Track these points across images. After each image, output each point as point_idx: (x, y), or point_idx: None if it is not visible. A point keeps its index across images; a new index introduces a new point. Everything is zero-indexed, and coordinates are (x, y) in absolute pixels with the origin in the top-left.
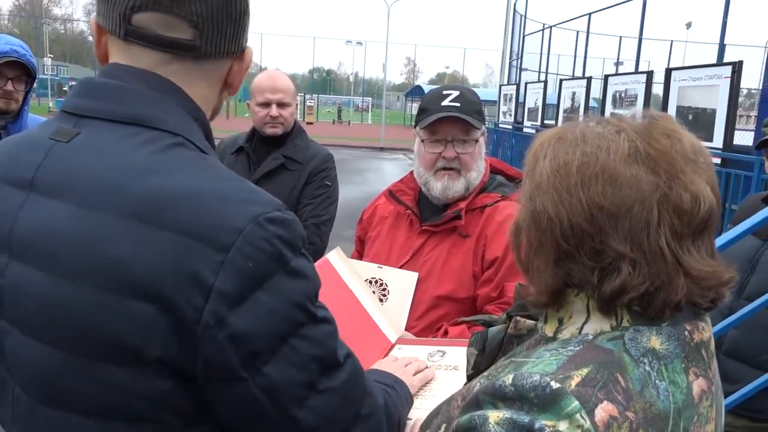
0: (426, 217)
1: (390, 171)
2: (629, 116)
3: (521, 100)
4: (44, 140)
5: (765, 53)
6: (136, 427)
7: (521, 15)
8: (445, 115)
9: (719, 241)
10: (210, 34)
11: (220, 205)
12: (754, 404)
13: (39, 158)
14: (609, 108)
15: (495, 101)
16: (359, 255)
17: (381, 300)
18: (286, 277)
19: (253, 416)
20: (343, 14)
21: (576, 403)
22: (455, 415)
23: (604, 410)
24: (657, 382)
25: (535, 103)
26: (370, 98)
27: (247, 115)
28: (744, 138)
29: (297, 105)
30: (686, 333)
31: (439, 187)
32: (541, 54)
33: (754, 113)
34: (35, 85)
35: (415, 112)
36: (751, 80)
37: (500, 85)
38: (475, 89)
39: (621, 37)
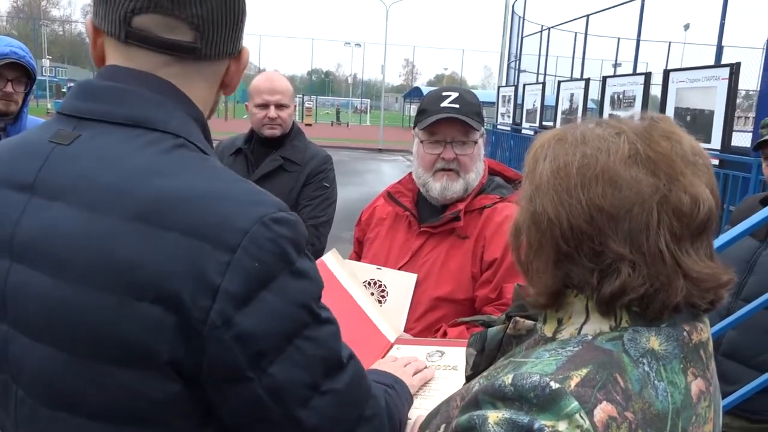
0: (424, 218)
1: (388, 172)
2: (629, 118)
3: (519, 101)
4: (44, 143)
5: (763, 55)
6: (141, 429)
7: (519, 16)
8: (445, 116)
9: (717, 242)
10: (210, 36)
11: (225, 206)
12: (752, 405)
13: (39, 161)
14: (607, 109)
15: (493, 103)
16: (357, 256)
17: (380, 301)
18: (291, 278)
19: (256, 417)
20: (342, 16)
21: (575, 404)
22: (454, 415)
23: (603, 410)
24: (656, 382)
25: (534, 105)
26: (369, 100)
27: (245, 116)
28: (742, 139)
29: (295, 106)
30: (685, 334)
31: (437, 187)
32: (539, 55)
33: (752, 114)
34: (34, 86)
35: (413, 113)
36: (749, 82)
37: (498, 87)
38: (474, 91)
39: (619, 39)
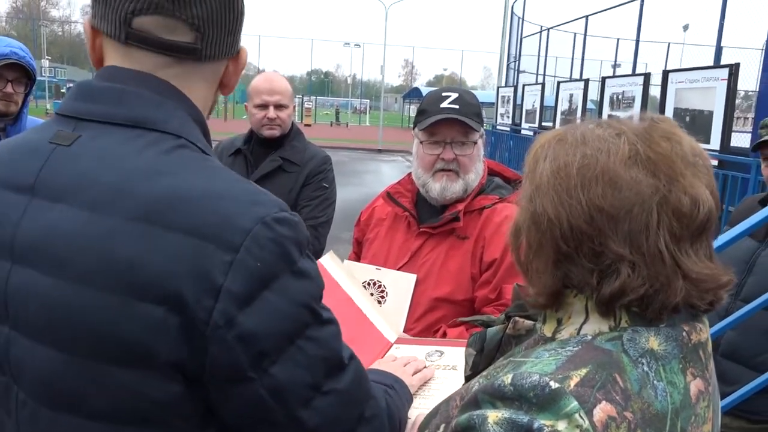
0: (424, 219)
1: (388, 173)
2: (629, 119)
3: (519, 102)
4: (44, 144)
5: (762, 55)
6: (142, 430)
7: (519, 17)
8: (444, 117)
9: (716, 242)
10: (210, 37)
11: (226, 206)
12: (751, 405)
13: (39, 163)
14: (606, 110)
15: (493, 103)
16: (357, 257)
17: (379, 302)
18: (292, 278)
19: (258, 417)
20: (341, 16)
21: (575, 403)
22: (454, 415)
23: (602, 410)
24: (655, 382)
25: (533, 105)
26: (368, 100)
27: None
28: (741, 140)
29: (294, 107)
30: (684, 334)
31: (437, 188)
32: (538, 56)
33: (751, 115)
34: (34, 87)
35: (413, 114)
36: (747, 82)
37: (498, 87)
38: (473, 91)
39: (618, 40)
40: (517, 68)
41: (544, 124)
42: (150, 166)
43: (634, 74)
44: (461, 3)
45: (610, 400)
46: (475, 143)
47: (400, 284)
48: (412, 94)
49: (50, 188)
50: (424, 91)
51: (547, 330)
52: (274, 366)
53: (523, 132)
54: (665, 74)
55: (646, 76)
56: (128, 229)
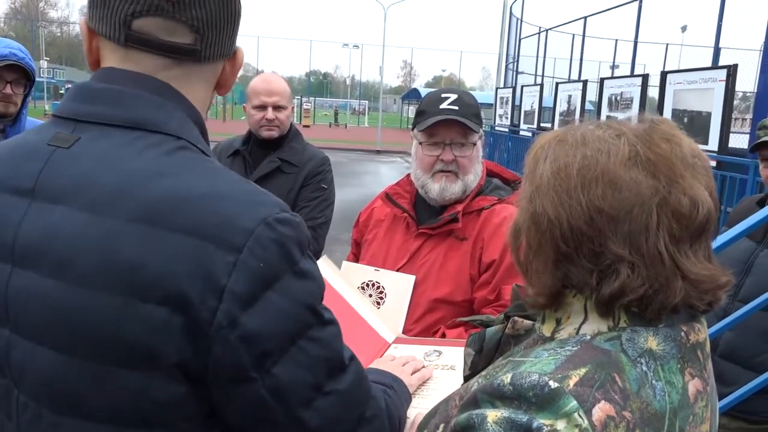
0: (422, 220)
1: (386, 174)
2: (628, 120)
3: (517, 103)
4: (42, 146)
5: (760, 56)
6: (145, 431)
7: (517, 18)
8: (444, 118)
9: (714, 243)
10: (209, 38)
11: (227, 206)
12: (750, 406)
13: (39, 165)
14: (605, 111)
15: (491, 104)
16: (355, 258)
17: (378, 303)
18: (294, 278)
19: (260, 417)
20: (340, 17)
21: (574, 403)
22: (453, 414)
23: (601, 410)
24: (653, 382)
25: (532, 106)
26: (367, 101)
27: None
28: (739, 141)
29: (293, 108)
30: (682, 334)
31: (436, 188)
32: (537, 57)
33: (749, 116)
34: (33, 88)
35: (411, 115)
36: (746, 83)
37: (496, 88)
38: (472, 92)
39: (617, 41)
40: (515, 69)
41: (542, 125)
42: (151, 168)
43: (632, 75)
44: (460, 4)
45: (609, 399)
46: (475, 144)
47: (399, 285)
48: (411, 95)
49: (50, 190)
50: (423, 92)
51: (546, 330)
52: (276, 366)
53: (521, 133)
54: (663, 75)
55: (645, 77)
56: (129, 230)
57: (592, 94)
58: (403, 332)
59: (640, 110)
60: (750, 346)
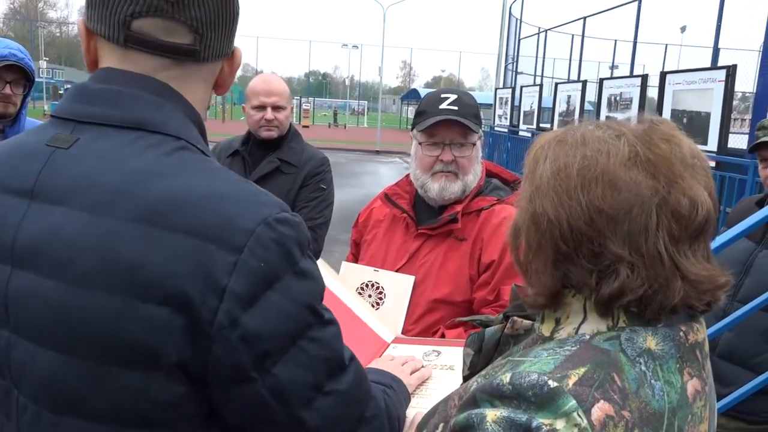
0: (422, 220)
1: (386, 174)
2: (627, 120)
3: (517, 103)
4: (41, 147)
5: (759, 57)
6: (145, 431)
7: (516, 18)
8: (443, 118)
9: (713, 243)
10: (208, 38)
11: (227, 206)
12: (749, 406)
13: (38, 166)
14: (604, 111)
15: (491, 105)
16: (355, 258)
17: (377, 303)
18: (294, 278)
19: (260, 417)
20: (339, 18)
21: (573, 402)
22: (452, 414)
23: (600, 409)
24: (652, 381)
25: (531, 107)
26: (366, 101)
27: (242, 118)
28: (738, 141)
29: (292, 108)
30: (681, 334)
31: (436, 188)
32: (536, 57)
33: (748, 116)
34: (32, 88)
35: (411, 115)
36: (745, 84)
37: (496, 89)
38: (471, 93)
39: (616, 41)
40: (514, 70)
41: (542, 125)
42: (151, 168)
43: (631, 76)
44: (459, 4)
45: (608, 399)
46: (474, 144)
47: (399, 286)
48: (410, 95)
49: (50, 191)
50: (422, 92)
51: (546, 330)
52: (276, 366)
53: (520, 133)
54: (663, 76)
55: (644, 78)
56: (129, 230)
57: (591, 95)
58: (403, 332)
59: (639, 111)
60: (749, 346)
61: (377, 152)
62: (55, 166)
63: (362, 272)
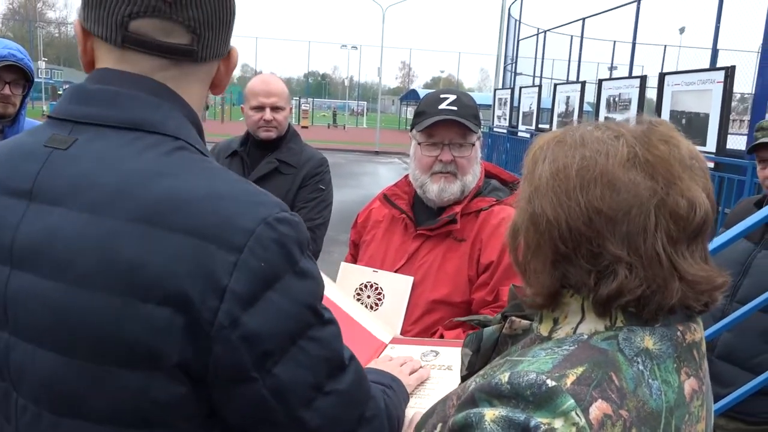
0: (421, 221)
1: (385, 175)
2: (626, 121)
3: (516, 104)
4: (39, 148)
5: (757, 58)
6: (145, 431)
7: (515, 20)
8: (443, 118)
9: (712, 244)
10: (206, 39)
11: (227, 206)
12: (747, 407)
13: (36, 167)
14: (603, 112)
15: (490, 105)
16: (354, 259)
17: (376, 304)
18: (294, 278)
19: (260, 417)
20: (339, 18)
21: (571, 401)
22: (451, 414)
23: (598, 408)
24: (650, 381)
25: (530, 108)
26: (366, 102)
27: (241, 119)
28: (737, 142)
29: (291, 109)
30: (679, 334)
31: (435, 189)
32: (535, 58)
33: (746, 117)
34: (32, 89)
35: (410, 115)
36: (743, 85)
37: (495, 90)
38: (470, 93)
39: (615, 42)
40: (514, 70)
41: (540, 126)
42: (150, 168)
43: (630, 77)
44: (458, 5)
45: (606, 398)
46: (473, 145)
47: (397, 286)
48: (410, 96)
49: (49, 192)
50: (422, 93)
51: (544, 329)
52: (276, 366)
53: (520, 134)
54: (661, 77)
55: (643, 79)
56: (129, 230)
57: (590, 96)
58: (402, 333)
59: (638, 111)
60: (748, 347)
61: (376, 153)
62: (53, 167)
63: (361, 273)
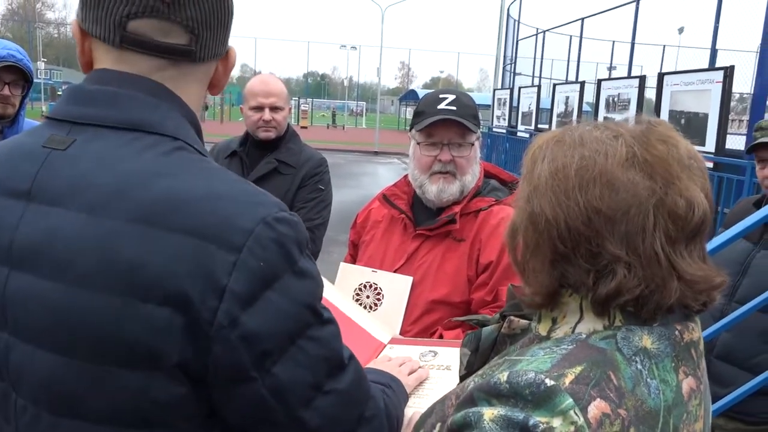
0: (420, 221)
1: (384, 175)
2: (624, 121)
3: (515, 104)
4: (37, 149)
5: (756, 58)
6: None
7: (515, 20)
8: (442, 118)
9: (711, 244)
10: (204, 39)
11: (226, 206)
12: (746, 407)
13: (35, 167)
14: (602, 112)
15: (489, 105)
16: (353, 259)
17: (375, 304)
18: (294, 278)
19: (260, 417)
20: (338, 18)
21: (570, 400)
22: (450, 414)
23: (597, 407)
24: (648, 380)
25: (529, 108)
26: (365, 102)
27: (240, 119)
28: (736, 142)
29: (290, 109)
30: (677, 333)
31: (434, 190)
32: (534, 58)
33: (745, 117)
34: (31, 89)
35: (409, 116)
36: (742, 85)
37: (494, 90)
38: (470, 93)
39: (614, 42)
40: (513, 70)
41: (540, 126)
42: (149, 168)
43: (629, 77)
44: (457, 5)
45: (605, 397)
46: (472, 145)
47: (397, 286)
48: (409, 96)
49: (47, 192)
50: (421, 93)
51: (542, 329)
52: (276, 366)
53: (519, 134)
54: (660, 77)
55: (642, 79)
56: (128, 230)
57: (589, 96)
58: (401, 333)
59: (637, 111)
60: (747, 347)
61: (375, 153)
62: (52, 168)
63: (360, 273)
